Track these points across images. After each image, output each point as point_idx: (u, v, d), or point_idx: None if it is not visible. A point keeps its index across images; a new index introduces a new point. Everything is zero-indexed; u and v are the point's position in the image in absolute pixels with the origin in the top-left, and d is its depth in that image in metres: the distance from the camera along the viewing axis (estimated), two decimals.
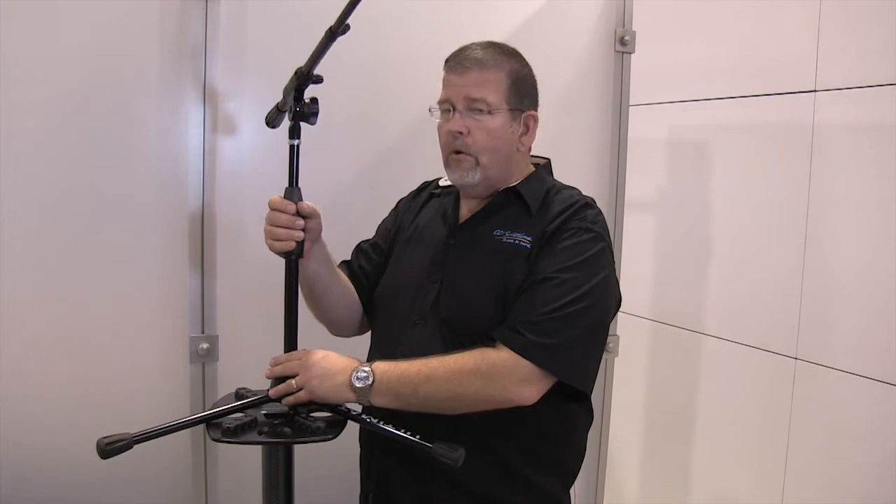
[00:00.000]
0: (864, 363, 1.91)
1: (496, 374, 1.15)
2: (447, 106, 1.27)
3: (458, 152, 1.27)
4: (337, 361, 1.19)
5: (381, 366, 1.18)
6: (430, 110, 1.30)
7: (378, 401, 1.17)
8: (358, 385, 1.16)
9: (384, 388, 1.16)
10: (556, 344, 1.16)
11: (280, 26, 1.57)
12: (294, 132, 1.20)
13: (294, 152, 1.20)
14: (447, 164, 1.30)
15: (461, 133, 1.25)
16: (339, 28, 1.10)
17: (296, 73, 1.18)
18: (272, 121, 1.30)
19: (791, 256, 2.08)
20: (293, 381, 1.18)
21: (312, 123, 1.20)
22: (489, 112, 1.24)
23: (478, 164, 1.26)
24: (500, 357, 1.16)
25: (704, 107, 2.34)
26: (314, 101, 1.19)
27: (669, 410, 2.52)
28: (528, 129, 1.30)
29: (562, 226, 1.24)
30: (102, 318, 1.47)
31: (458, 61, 1.26)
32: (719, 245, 2.33)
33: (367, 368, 1.17)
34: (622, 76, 1.96)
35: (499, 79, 1.25)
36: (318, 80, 1.17)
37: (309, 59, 1.16)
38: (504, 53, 1.28)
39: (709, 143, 2.36)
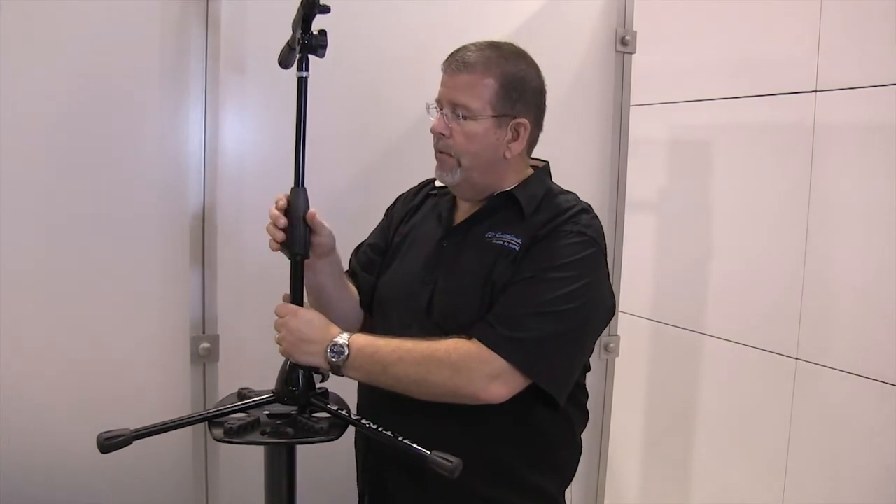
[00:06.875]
0: (864, 363, 1.91)
1: (464, 365, 1.14)
2: (438, 105, 1.27)
3: (441, 152, 1.27)
4: (318, 329, 1.18)
5: (359, 341, 1.18)
6: (427, 107, 1.29)
7: (350, 375, 1.18)
8: (333, 359, 1.16)
9: (357, 364, 1.17)
10: (527, 339, 1.15)
11: (280, 26, 1.56)
12: (302, 64, 1.18)
13: (302, 86, 1.18)
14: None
15: (443, 134, 1.25)
16: None
17: (302, 3, 1.14)
18: (284, 60, 1.26)
19: (791, 256, 2.08)
20: (276, 337, 1.19)
21: (321, 56, 1.18)
22: (471, 118, 1.23)
23: (459, 165, 1.26)
24: (470, 349, 1.15)
25: (705, 107, 2.33)
26: (322, 32, 1.17)
27: (670, 411, 2.52)
28: (519, 135, 1.27)
29: (554, 229, 1.23)
30: (103, 319, 1.47)
31: (450, 62, 1.26)
32: (720, 245, 2.33)
33: (344, 342, 1.17)
34: (623, 76, 1.96)
35: (486, 84, 1.22)
36: (325, 9, 1.13)
37: None
38: (501, 56, 1.25)
39: (710, 142, 2.36)
